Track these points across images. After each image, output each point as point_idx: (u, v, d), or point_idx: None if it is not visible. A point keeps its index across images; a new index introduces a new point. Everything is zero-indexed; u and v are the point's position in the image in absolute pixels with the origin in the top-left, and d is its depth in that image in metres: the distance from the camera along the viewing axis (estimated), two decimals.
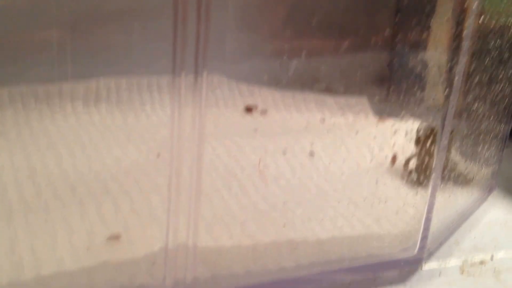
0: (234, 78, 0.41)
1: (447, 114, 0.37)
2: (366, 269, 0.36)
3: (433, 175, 0.38)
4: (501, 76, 0.43)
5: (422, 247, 0.37)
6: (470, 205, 0.45)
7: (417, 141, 0.40)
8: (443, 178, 0.40)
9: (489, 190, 0.48)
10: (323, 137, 0.40)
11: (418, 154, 0.40)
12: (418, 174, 0.40)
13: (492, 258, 0.41)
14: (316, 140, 0.40)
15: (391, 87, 0.38)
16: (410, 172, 0.39)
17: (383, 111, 0.37)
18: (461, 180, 0.44)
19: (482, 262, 0.40)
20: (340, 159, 0.39)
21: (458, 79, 0.36)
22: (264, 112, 0.43)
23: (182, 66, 0.32)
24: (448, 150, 0.42)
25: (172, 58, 0.32)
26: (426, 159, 0.40)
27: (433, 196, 0.38)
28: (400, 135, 0.38)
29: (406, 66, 0.37)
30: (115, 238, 0.33)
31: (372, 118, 0.37)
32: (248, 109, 0.44)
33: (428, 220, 0.37)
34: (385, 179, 0.39)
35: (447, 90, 0.37)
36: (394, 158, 0.39)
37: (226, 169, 0.38)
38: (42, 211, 0.33)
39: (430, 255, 0.38)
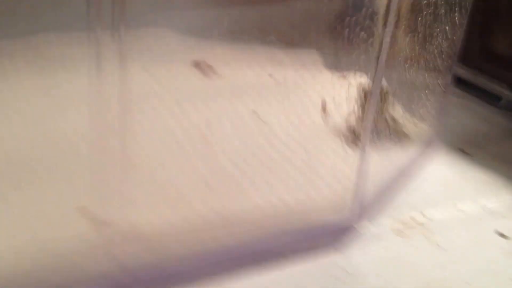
0: (179, 31, 0.41)
1: (377, 69, 0.36)
2: (300, 234, 0.35)
3: (363, 134, 0.37)
4: (436, 32, 0.42)
5: (354, 209, 0.37)
6: (408, 162, 0.45)
7: (357, 98, 0.39)
8: (377, 136, 0.40)
9: (427, 145, 0.48)
10: (269, 94, 0.40)
11: (357, 112, 0.39)
12: (354, 133, 0.39)
13: (425, 216, 0.41)
14: (260, 98, 0.39)
15: (341, 39, 0.37)
16: (351, 131, 0.39)
17: (332, 65, 0.36)
18: (398, 137, 0.44)
19: (415, 221, 0.40)
20: (284, 117, 0.39)
21: (388, 30, 0.36)
22: (210, 67, 0.42)
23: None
24: (383, 108, 0.42)
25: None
26: (362, 117, 0.39)
27: (363, 155, 0.37)
28: (345, 90, 0.38)
29: (355, 17, 0.36)
30: None
31: (321, 72, 0.36)
32: (196, 64, 0.43)
33: (360, 180, 0.37)
34: (326, 139, 0.38)
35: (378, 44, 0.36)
36: (324, 107, 0.38)
37: (164, 133, 0.37)
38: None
39: (364, 216, 0.38)
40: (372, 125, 0.40)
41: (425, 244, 0.38)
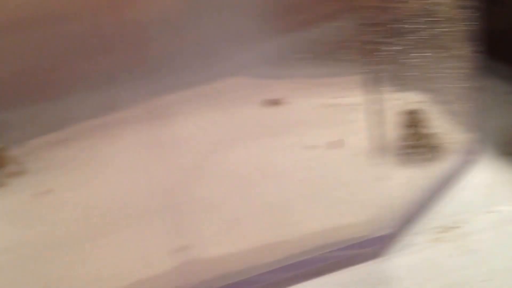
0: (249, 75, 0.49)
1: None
2: (346, 245, 0.42)
3: (404, 147, 0.43)
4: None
5: (395, 220, 0.43)
6: (449, 169, 0.50)
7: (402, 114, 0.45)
8: (418, 148, 0.45)
9: (470, 151, 0.52)
10: (324, 123, 0.46)
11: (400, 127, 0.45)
12: (397, 147, 0.45)
13: (463, 224, 0.45)
14: (314, 131, 0.46)
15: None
16: (394, 145, 0.45)
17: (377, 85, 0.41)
18: (438, 147, 0.49)
19: (454, 229, 0.45)
20: (334, 144, 0.45)
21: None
22: (279, 103, 0.49)
23: None
24: (423, 120, 0.47)
25: None
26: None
27: (403, 168, 0.43)
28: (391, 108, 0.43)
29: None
30: None
31: (372, 95, 0.41)
32: (267, 103, 0.49)
33: (401, 191, 0.43)
34: (369, 153, 0.44)
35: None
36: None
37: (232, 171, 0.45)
38: (112, 233, 0.40)
39: (404, 226, 0.44)
40: (413, 138, 0.45)
41: (462, 250, 0.43)
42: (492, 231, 0.45)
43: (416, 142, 0.47)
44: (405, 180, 0.44)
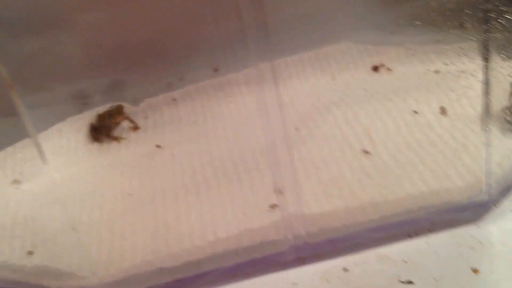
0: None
1: None
2: (442, 210, 0.42)
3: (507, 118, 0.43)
4: None
5: (491, 188, 0.42)
6: None
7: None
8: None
9: None
10: (431, 90, 0.47)
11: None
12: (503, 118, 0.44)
13: None
14: (423, 95, 0.46)
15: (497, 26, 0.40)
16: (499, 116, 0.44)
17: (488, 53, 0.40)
18: None
19: None
20: (439, 108, 0.45)
21: None
22: (388, 69, 0.50)
23: None
24: None
25: None
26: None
27: (503, 139, 0.42)
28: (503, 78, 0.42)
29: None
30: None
31: (481, 64, 0.40)
32: (374, 68, 0.51)
33: (498, 161, 0.42)
34: (474, 125, 0.43)
35: None
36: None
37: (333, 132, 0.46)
38: (216, 187, 0.43)
39: (500, 194, 0.43)
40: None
41: None
42: None
43: None
44: (508, 149, 0.44)
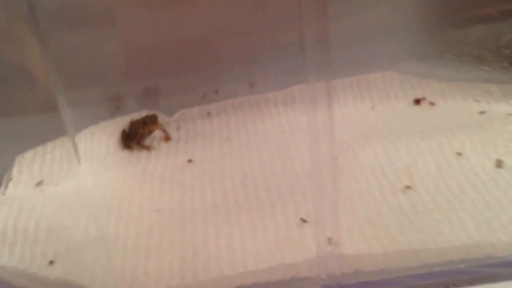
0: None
1: None
2: (485, 267, 0.40)
3: None
4: None
5: None
6: None
7: None
8: None
9: None
10: (475, 131, 0.45)
11: None
12: None
13: None
14: (466, 138, 0.44)
15: None
16: None
17: None
18: None
19: None
20: (487, 156, 0.43)
21: None
22: (431, 104, 0.49)
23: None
24: None
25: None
26: None
27: None
28: None
29: None
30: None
31: None
32: (417, 101, 0.49)
33: None
34: None
35: None
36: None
37: (371, 166, 0.44)
38: (247, 210, 0.41)
39: None
40: None
41: None
42: None
43: None
44: None
